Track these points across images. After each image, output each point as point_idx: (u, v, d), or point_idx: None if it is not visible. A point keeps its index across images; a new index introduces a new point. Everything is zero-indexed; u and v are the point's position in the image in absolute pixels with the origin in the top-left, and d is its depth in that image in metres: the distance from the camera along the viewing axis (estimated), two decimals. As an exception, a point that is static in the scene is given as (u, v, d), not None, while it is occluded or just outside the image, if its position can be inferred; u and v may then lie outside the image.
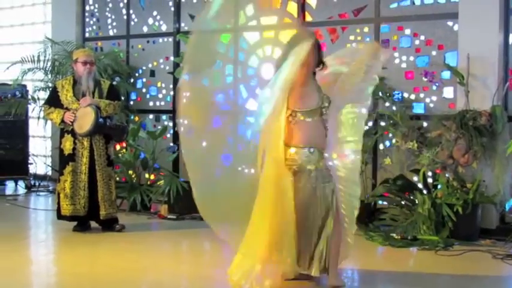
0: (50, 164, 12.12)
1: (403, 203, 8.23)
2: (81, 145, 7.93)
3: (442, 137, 7.94)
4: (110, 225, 8.13)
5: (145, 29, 11.45)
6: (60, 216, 8.05)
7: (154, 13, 11.26)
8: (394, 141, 8.55)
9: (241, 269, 5.62)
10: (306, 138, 5.67)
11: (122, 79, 11.12)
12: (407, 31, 8.77)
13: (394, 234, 7.77)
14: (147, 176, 9.96)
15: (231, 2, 6.20)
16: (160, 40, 11.23)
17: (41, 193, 11.22)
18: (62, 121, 7.91)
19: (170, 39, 11.05)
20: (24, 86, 11.61)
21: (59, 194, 8.02)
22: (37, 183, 11.71)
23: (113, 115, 8.28)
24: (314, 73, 5.80)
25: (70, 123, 7.85)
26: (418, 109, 8.67)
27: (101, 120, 7.83)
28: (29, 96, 11.35)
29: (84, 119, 7.79)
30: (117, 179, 9.63)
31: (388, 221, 8.16)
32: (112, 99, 8.07)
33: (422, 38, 8.66)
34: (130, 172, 9.89)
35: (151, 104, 11.32)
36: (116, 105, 8.07)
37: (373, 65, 5.93)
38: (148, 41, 11.40)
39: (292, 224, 5.53)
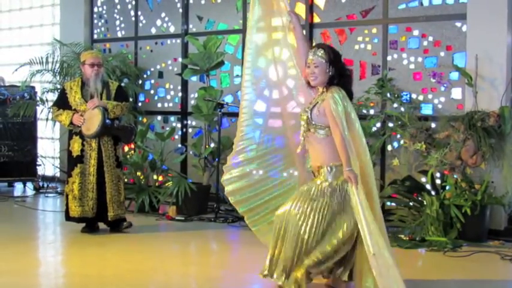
0: (58, 166, 12.14)
1: (411, 204, 8.22)
2: (89, 147, 7.95)
3: (450, 138, 7.94)
4: (117, 225, 8.14)
5: (153, 31, 11.48)
6: (68, 217, 8.07)
7: (163, 15, 11.28)
8: (402, 142, 8.54)
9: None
10: None
11: (130, 80, 11.15)
12: (416, 32, 8.76)
13: (403, 236, 7.76)
14: (155, 177, 9.97)
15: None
16: (169, 41, 11.25)
17: (50, 195, 11.23)
18: (71, 123, 7.93)
19: (178, 41, 11.07)
20: (33, 88, 11.65)
21: (67, 196, 8.04)
22: (45, 185, 11.72)
23: (121, 116, 8.30)
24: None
25: (79, 125, 7.86)
26: (426, 110, 8.66)
27: (108, 121, 7.85)
28: (38, 98, 11.36)
29: (92, 121, 7.81)
30: (125, 180, 9.64)
31: (397, 222, 8.15)
32: (120, 101, 8.07)
33: (430, 39, 8.65)
34: (138, 173, 9.90)
35: (159, 105, 11.34)
36: (123, 106, 8.07)
37: None
38: (156, 43, 11.43)
39: None
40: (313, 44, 5.99)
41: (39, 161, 11.92)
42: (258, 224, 6.10)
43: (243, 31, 10.11)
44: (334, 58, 5.54)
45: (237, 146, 6.08)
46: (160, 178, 10.05)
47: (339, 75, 5.52)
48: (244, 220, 6.18)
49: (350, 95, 5.58)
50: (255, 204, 6.08)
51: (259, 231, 6.10)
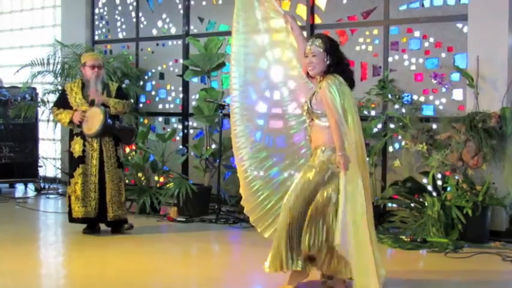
0: (60, 167, 12.15)
1: (412, 205, 8.22)
2: (90, 147, 7.95)
3: (452, 139, 7.94)
4: (118, 227, 8.15)
5: (154, 32, 11.48)
6: (71, 219, 8.06)
7: (164, 16, 11.29)
8: (403, 143, 8.55)
9: None
10: None
11: (131, 82, 11.15)
12: (417, 33, 8.76)
13: (404, 237, 7.76)
14: (156, 178, 9.97)
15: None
16: (170, 43, 11.26)
17: (51, 196, 11.22)
18: (70, 121, 7.93)
19: (179, 42, 11.07)
20: (34, 89, 11.64)
21: (69, 197, 8.03)
22: (47, 186, 11.73)
23: (122, 115, 8.30)
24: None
25: (78, 123, 7.87)
26: (428, 111, 8.66)
27: (109, 121, 7.86)
28: (39, 99, 11.36)
29: (93, 120, 7.82)
30: (127, 181, 9.65)
31: (398, 223, 8.16)
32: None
33: (431, 40, 8.65)
34: (139, 175, 9.91)
35: (160, 106, 11.34)
36: (125, 104, 8.06)
37: None
38: (157, 44, 11.43)
39: None
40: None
41: (40, 162, 11.91)
42: (266, 226, 6.09)
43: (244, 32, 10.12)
44: (331, 47, 5.56)
45: (237, 148, 6.08)
46: (162, 179, 10.07)
47: (336, 63, 5.54)
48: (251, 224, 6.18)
49: (351, 82, 5.60)
50: (263, 212, 6.07)
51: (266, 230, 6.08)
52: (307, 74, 5.71)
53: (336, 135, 5.35)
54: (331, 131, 5.38)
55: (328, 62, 5.53)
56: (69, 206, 8.03)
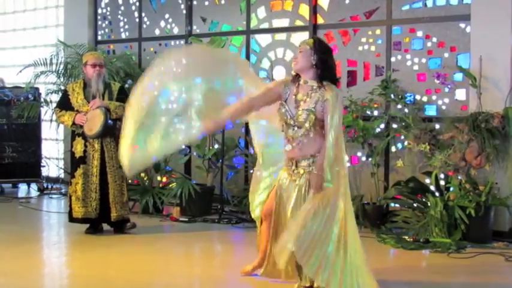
0: (63, 167, 12.15)
1: (415, 205, 8.22)
2: (92, 147, 7.96)
3: (455, 139, 7.93)
4: (121, 226, 8.15)
5: (157, 32, 11.48)
6: (71, 218, 8.07)
7: (167, 16, 11.29)
8: (406, 143, 8.54)
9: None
10: None
11: (134, 82, 11.13)
12: (420, 33, 8.75)
13: (406, 237, 7.76)
14: (159, 178, 9.97)
15: None
16: (172, 43, 11.25)
17: (54, 196, 11.24)
18: (73, 123, 7.94)
19: (182, 42, 11.07)
20: (37, 89, 11.64)
21: (70, 197, 8.04)
22: (50, 186, 11.74)
23: (124, 117, 8.30)
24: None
25: (82, 124, 7.87)
26: (430, 111, 8.65)
27: (110, 122, 7.86)
28: (42, 99, 11.36)
29: (94, 121, 7.82)
30: (130, 181, 9.64)
31: (400, 224, 8.15)
32: (122, 101, 8.07)
33: (434, 40, 8.64)
34: (142, 175, 9.90)
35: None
36: (126, 107, 8.05)
37: None
38: (160, 44, 11.43)
39: None
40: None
41: (43, 162, 11.92)
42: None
43: (246, 32, 10.10)
44: (319, 48, 5.47)
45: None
46: (164, 179, 10.07)
47: (323, 66, 5.44)
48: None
49: None
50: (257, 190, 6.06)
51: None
52: (294, 78, 5.63)
53: (332, 151, 5.24)
54: (329, 145, 5.27)
55: (313, 62, 5.45)
56: (70, 205, 8.05)
